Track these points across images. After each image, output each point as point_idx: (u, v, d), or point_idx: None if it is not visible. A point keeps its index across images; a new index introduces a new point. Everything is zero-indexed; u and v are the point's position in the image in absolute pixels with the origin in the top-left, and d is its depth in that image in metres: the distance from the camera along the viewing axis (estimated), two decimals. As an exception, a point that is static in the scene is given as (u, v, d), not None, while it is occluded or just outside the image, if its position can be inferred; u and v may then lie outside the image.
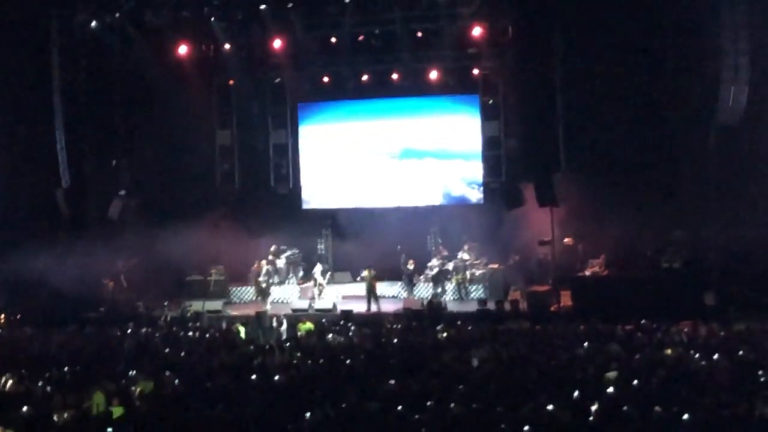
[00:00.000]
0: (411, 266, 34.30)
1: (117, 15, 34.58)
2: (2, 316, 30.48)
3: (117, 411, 15.84)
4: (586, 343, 21.42)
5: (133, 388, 17.58)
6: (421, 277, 34.95)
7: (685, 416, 13.96)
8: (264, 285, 34.09)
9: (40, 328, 28.64)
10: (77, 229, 34.35)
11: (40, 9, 33.41)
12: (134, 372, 19.24)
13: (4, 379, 18.57)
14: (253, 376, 18.54)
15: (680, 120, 32.09)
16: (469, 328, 25.92)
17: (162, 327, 28.92)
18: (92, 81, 35.74)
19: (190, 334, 26.83)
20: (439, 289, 33.78)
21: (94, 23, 34.78)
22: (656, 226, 31.09)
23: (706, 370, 17.86)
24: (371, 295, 32.70)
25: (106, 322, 29.97)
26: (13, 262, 30.64)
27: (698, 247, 30.76)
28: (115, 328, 28.43)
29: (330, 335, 25.14)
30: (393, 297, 34.21)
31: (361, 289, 33.70)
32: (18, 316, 30.54)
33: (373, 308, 32.37)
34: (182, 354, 22.35)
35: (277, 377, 18.34)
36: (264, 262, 34.98)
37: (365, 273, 33.27)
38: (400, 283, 34.84)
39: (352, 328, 26.79)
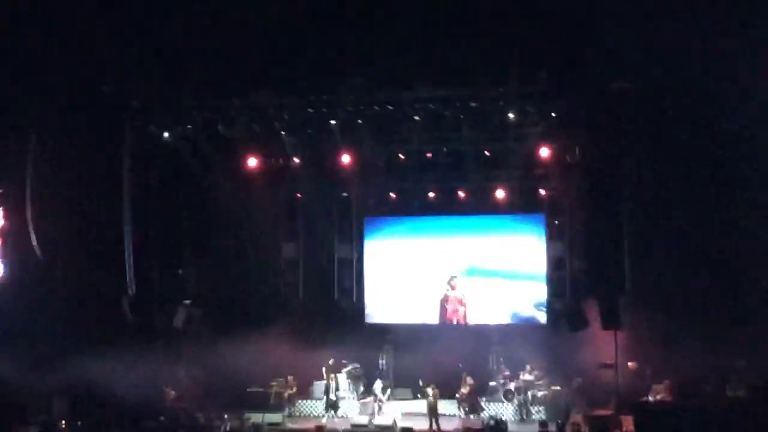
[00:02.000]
0: (467, 387, 34.02)
1: (190, 126, 35.14)
2: (63, 423, 30.50)
3: None
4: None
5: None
6: (483, 397, 34.71)
7: None
8: (333, 398, 34.18)
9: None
10: (142, 337, 34.50)
11: (115, 117, 33.95)
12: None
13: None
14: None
15: (749, 247, 31.80)
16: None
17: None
18: (162, 190, 36.28)
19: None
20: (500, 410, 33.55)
21: (166, 134, 35.38)
22: (721, 354, 30.64)
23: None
24: (432, 413, 32.44)
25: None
26: (77, 369, 30.78)
27: (762, 376, 30.26)
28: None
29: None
30: (452, 415, 33.81)
31: (421, 406, 33.42)
32: (79, 424, 30.55)
33: (434, 427, 32.09)
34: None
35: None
36: (329, 375, 34.90)
37: (429, 390, 33.05)
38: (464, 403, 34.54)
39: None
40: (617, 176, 33.73)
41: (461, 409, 34.17)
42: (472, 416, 32.94)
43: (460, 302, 37.73)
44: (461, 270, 37.89)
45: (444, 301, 37.97)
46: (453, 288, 37.85)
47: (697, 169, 32.22)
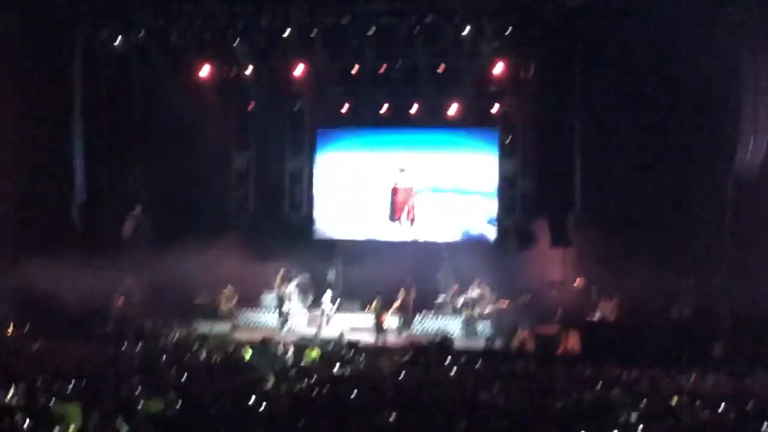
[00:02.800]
0: (399, 300, 34.23)
1: (141, 34, 34.69)
2: (12, 327, 30.41)
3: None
4: (595, 386, 21.30)
5: (139, 407, 17.44)
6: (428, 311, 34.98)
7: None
8: (285, 310, 34.52)
9: (48, 341, 28.55)
10: (90, 245, 34.34)
11: (65, 23, 33.48)
12: (139, 390, 19.13)
13: (9, 391, 18.45)
14: (255, 403, 18.43)
15: (698, 169, 31.93)
16: (476, 366, 25.72)
17: (168, 347, 28.80)
18: (112, 97, 35.83)
19: (196, 356, 26.72)
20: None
21: (117, 41, 34.92)
22: (668, 274, 30.85)
23: (712, 420, 17.71)
24: (378, 326, 32.62)
25: (114, 338, 29.87)
26: (25, 275, 30.64)
27: (709, 298, 30.56)
28: (122, 344, 28.36)
29: (336, 365, 25.00)
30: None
31: (368, 320, 33.64)
32: (27, 328, 30.46)
33: (381, 340, 32.26)
34: (186, 376, 22.22)
35: (279, 405, 18.22)
36: (280, 285, 34.99)
37: (374, 303, 33.18)
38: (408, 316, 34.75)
39: (359, 358, 26.68)
40: (570, 94, 33.75)
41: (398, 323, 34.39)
42: (403, 332, 33.03)
43: (411, 192, 37.82)
44: (415, 186, 37.90)
45: (393, 192, 38.06)
46: (402, 173, 37.97)
47: (649, 88, 32.22)
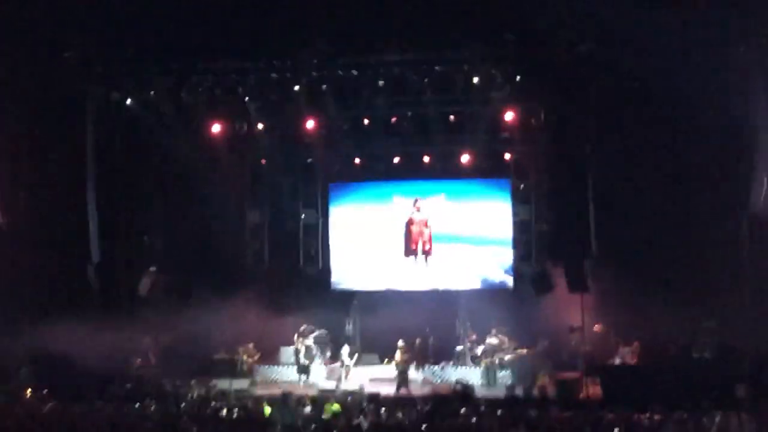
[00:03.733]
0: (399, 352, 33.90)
1: (152, 93, 34.91)
2: (28, 390, 30.32)
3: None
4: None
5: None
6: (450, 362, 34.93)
7: None
8: (305, 362, 34.38)
9: (65, 403, 28.46)
10: (107, 304, 34.36)
11: (75, 84, 33.70)
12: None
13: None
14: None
15: (713, 209, 31.85)
16: (498, 413, 25.56)
17: (188, 405, 28.68)
18: (126, 158, 36.07)
19: (216, 413, 26.61)
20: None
21: (129, 101, 35.15)
22: (688, 316, 30.71)
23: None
24: (402, 377, 32.48)
25: (132, 398, 29.77)
26: (42, 337, 30.61)
27: (730, 338, 30.39)
28: (141, 404, 28.28)
29: (357, 418, 24.88)
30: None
31: (388, 371, 33.54)
32: (45, 392, 30.37)
33: (403, 391, 32.10)
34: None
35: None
36: (298, 341, 34.92)
37: (397, 355, 33.07)
38: (427, 366, 34.65)
39: (379, 410, 26.55)
40: (581, 139, 33.75)
41: (431, 374, 34.34)
42: (402, 388, 32.75)
43: (425, 224, 37.81)
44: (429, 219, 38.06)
45: (409, 223, 38.04)
46: (418, 210, 37.99)
47: (662, 132, 32.27)
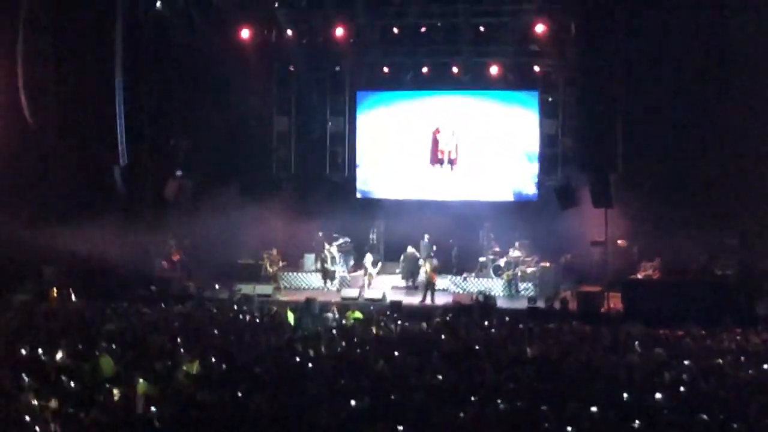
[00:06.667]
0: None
1: (182, -4, 34.85)
2: (55, 290, 30.64)
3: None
4: (637, 345, 21.29)
5: (183, 367, 17.58)
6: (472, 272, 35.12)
7: (733, 425, 13.81)
8: (331, 268, 34.75)
9: (92, 303, 28.74)
10: (132, 207, 34.55)
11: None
12: (182, 351, 19.30)
13: (56, 353, 18.65)
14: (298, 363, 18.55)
15: (741, 126, 31.65)
16: (520, 325, 25.69)
17: (211, 309, 28.92)
18: (154, 62, 35.98)
19: (239, 317, 26.83)
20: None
21: (158, 4, 35.04)
22: (711, 232, 30.68)
23: (756, 379, 17.66)
24: (428, 286, 32.69)
25: (157, 301, 30.06)
26: (68, 238, 30.86)
27: (751, 256, 30.37)
28: (165, 306, 28.58)
29: (378, 325, 25.04)
30: (443, 290, 34.05)
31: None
32: (69, 291, 30.68)
33: (428, 300, 32.28)
34: (230, 337, 22.34)
35: (322, 365, 18.33)
36: (321, 246, 35.17)
37: (426, 264, 33.22)
38: (449, 276, 34.85)
39: (401, 318, 26.75)
40: (611, 53, 33.41)
41: (452, 284, 34.57)
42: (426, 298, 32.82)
43: (452, 133, 37.74)
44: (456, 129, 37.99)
45: (435, 132, 37.94)
46: (445, 118, 37.94)
47: (692, 47, 31.95)
